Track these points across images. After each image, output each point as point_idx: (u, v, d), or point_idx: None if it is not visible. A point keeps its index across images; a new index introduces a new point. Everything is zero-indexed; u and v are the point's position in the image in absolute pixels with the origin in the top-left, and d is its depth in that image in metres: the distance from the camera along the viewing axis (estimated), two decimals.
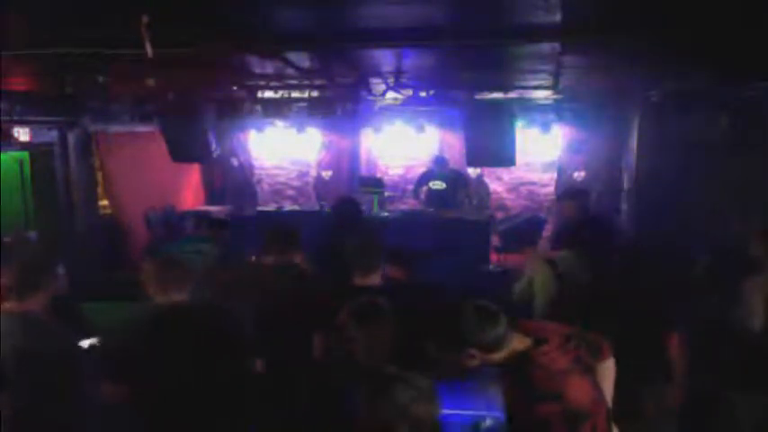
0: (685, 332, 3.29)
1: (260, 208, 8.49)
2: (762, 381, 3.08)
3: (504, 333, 1.92)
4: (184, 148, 6.04)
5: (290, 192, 10.08)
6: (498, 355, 1.93)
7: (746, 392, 3.13)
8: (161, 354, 2.51)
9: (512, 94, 6.11)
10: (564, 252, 3.74)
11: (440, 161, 7.76)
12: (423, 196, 7.90)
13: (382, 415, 1.64)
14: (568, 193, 5.10)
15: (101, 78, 4.63)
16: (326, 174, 9.22)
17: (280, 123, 7.88)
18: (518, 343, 1.96)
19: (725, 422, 3.19)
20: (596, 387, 1.97)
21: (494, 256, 7.20)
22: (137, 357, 2.54)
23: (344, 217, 4.54)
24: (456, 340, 1.91)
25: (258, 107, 6.00)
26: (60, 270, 2.74)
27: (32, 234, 6.72)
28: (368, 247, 3.03)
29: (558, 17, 2.82)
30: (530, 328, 2.05)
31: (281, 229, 3.55)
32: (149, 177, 7.87)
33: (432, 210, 7.50)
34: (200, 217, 8.01)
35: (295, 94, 5.89)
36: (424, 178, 7.90)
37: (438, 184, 7.63)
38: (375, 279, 2.96)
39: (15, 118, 5.90)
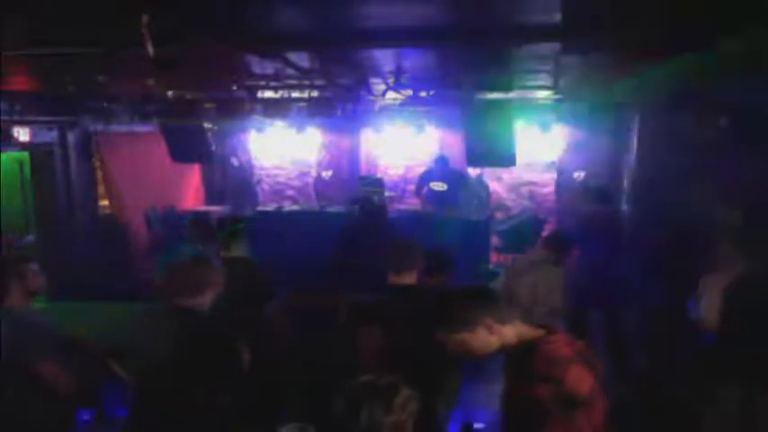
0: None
1: (260, 208, 8.49)
2: (720, 376, 3.08)
3: (504, 306, 2.04)
4: (184, 148, 6.05)
5: (290, 192, 10.08)
6: (509, 331, 1.99)
7: (706, 389, 3.13)
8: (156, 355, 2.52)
9: (512, 94, 6.11)
10: (540, 252, 4.05)
11: (440, 161, 7.76)
12: (424, 196, 7.89)
13: (354, 426, 1.66)
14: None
15: (101, 78, 4.64)
16: (326, 174, 9.23)
17: (280, 123, 7.88)
18: (528, 330, 2.03)
19: (687, 419, 3.20)
20: (598, 382, 1.98)
21: (494, 256, 7.21)
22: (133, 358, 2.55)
23: (368, 217, 4.54)
24: (470, 316, 1.97)
25: (258, 107, 5.99)
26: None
27: (30, 237, 6.71)
28: (401, 246, 3.01)
29: (557, 17, 2.82)
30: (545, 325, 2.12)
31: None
32: (149, 177, 7.88)
33: (432, 210, 7.50)
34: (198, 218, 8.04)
35: (295, 94, 5.88)
36: (425, 178, 7.90)
37: (438, 185, 7.63)
38: (410, 279, 2.92)
39: (15, 118, 5.90)
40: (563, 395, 1.86)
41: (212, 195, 9.69)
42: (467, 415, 3.96)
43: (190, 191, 9.38)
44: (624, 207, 7.32)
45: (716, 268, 3.27)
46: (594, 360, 2.00)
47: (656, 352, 4.06)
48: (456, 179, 7.69)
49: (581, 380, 1.89)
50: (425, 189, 7.85)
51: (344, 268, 3.79)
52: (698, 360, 3.16)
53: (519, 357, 2.01)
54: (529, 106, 7.04)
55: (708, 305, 3.16)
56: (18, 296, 2.64)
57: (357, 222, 4.57)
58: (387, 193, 8.25)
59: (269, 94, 5.87)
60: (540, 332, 2.03)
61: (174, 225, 7.94)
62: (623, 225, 6.17)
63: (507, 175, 9.17)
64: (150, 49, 2.81)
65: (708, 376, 3.09)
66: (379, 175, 9.25)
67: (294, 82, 5.26)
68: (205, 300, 2.61)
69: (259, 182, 9.97)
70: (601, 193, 5.21)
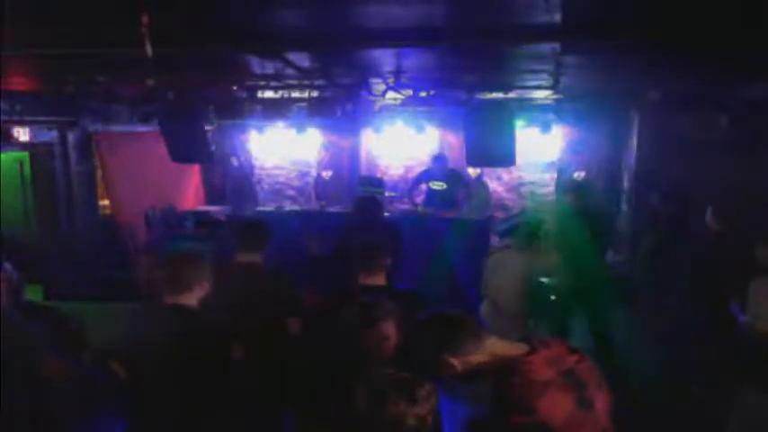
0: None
1: (260, 208, 8.49)
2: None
3: (471, 334, 1.92)
4: (184, 148, 6.03)
5: (290, 192, 10.08)
6: (479, 358, 1.90)
7: (757, 392, 3.12)
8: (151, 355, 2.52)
9: (512, 94, 6.11)
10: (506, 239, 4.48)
11: (439, 160, 7.74)
12: (417, 198, 7.87)
13: (380, 417, 1.64)
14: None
15: (101, 78, 4.64)
16: (326, 174, 9.22)
17: (280, 123, 7.88)
18: (507, 349, 1.94)
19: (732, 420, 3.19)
20: (584, 404, 1.86)
21: None
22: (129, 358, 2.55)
23: (363, 216, 4.53)
24: (429, 353, 1.91)
25: (258, 107, 6.00)
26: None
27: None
28: (369, 247, 3.00)
29: (557, 17, 2.82)
30: (541, 340, 2.00)
31: (252, 226, 3.52)
32: (149, 177, 7.87)
33: (431, 210, 7.49)
34: (200, 217, 8.05)
35: (295, 94, 5.89)
36: (422, 178, 7.89)
37: (438, 184, 7.62)
38: (379, 279, 2.92)
39: (15, 118, 5.91)
40: (537, 425, 1.78)
41: (212, 195, 9.69)
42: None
43: (190, 191, 9.38)
44: (624, 207, 7.33)
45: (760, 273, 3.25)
46: (585, 376, 1.89)
47: (657, 353, 4.07)
48: (456, 179, 7.67)
49: (555, 408, 1.80)
50: (423, 186, 7.82)
51: (343, 267, 3.77)
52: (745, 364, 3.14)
53: (497, 380, 1.92)
54: (529, 106, 7.04)
55: (759, 310, 3.13)
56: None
57: (353, 221, 4.56)
58: (387, 193, 8.24)
59: (269, 94, 5.88)
60: (521, 350, 1.92)
61: (173, 225, 7.95)
62: (611, 222, 6.19)
63: (507, 175, 9.17)
64: (150, 50, 2.81)
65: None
66: (379, 175, 9.25)
67: (294, 82, 5.27)
68: (192, 297, 2.57)
69: (259, 182, 9.96)
70: (578, 188, 5.15)
